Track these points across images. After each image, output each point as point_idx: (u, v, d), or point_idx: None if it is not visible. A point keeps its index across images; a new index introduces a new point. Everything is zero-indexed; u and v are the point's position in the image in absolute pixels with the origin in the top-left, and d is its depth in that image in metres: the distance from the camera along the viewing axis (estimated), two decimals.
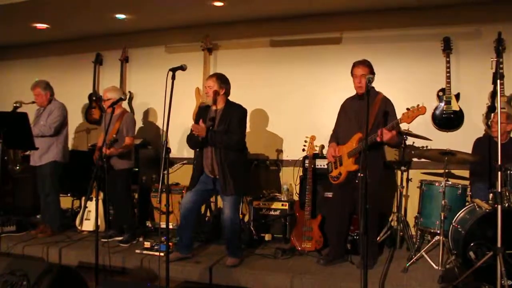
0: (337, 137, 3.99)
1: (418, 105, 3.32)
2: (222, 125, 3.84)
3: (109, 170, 4.44)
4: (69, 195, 5.72)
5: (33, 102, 4.83)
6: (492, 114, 4.33)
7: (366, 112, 3.65)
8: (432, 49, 4.75)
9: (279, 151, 5.36)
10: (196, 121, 3.98)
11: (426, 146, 4.48)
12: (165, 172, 3.14)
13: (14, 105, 4.60)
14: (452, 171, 4.51)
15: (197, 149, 4.01)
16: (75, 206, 5.79)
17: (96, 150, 4.62)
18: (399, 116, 3.48)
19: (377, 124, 3.66)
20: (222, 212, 3.91)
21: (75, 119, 6.28)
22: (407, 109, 3.37)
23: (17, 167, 5.51)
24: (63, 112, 4.85)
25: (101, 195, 4.87)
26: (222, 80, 3.90)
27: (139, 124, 5.81)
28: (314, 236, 4.26)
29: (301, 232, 4.31)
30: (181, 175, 5.42)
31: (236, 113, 3.88)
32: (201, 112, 4.04)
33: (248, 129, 5.28)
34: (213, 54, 5.60)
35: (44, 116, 4.77)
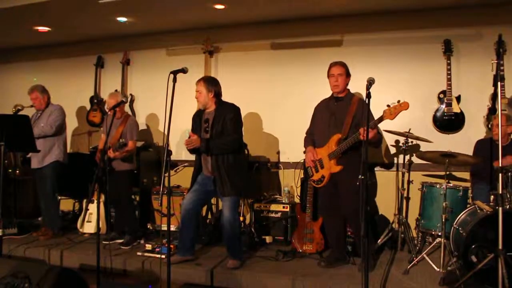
0: (313, 140, 3.97)
1: (399, 101, 3.32)
2: (216, 126, 3.83)
3: (111, 172, 4.46)
4: (70, 197, 5.73)
5: (32, 106, 4.87)
6: (493, 117, 4.33)
7: (344, 114, 3.69)
8: (433, 51, 4.75)
9: (280, 153, 5.36)
10: (192, 126, 3.99)
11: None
12: (166, 174, 3.15)
13: (16, 108, 4.63)
14: (453, 173, 4.52)
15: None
16: (76, 209, 5.80)
17: (98, 152, 4.64)
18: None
19: (355, 125, 3.68)
20: (222, 214, 3.92)
21: (76, 122, 6.31)
22: (388, 105, 3.38)
23: (17, 172, 5.53)
24: (63, 113, 4.92)
25: (102, 197, 4.88)
26: (210, 83, 3.90)
27: (140, 126, 5.82)
28: (315, 238, 4.26)
29: (302, 234, 4.31)
30: (182, 177, 5.43)
31: (229, 112, 3.86)
32: (196, 117, 4.04)
33: (249, 131, 5.29)
34: (214, 56, 5.61)
35: (44, 118, 4.80)
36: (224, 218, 3.86)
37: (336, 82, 3.79)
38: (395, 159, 4.88)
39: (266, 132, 5.43)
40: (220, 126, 3.82)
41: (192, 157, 4.16)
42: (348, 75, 3.83)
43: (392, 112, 3.33)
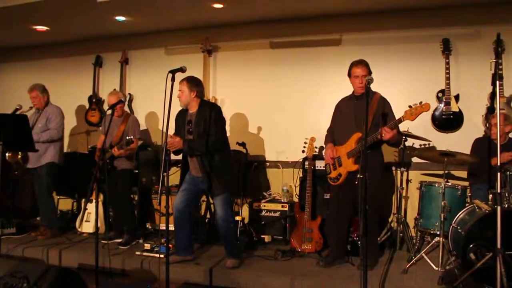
0: (333, 137, 3.97)
1: (421, 102, 3.33)
2: (199, 127, 3.80)
3: (111, 171, 4.45)
4: (69, 197, 5.72)
5: (31, 108, 4.87)
6: (491, 116, 4.33)
7: (365, 112, 3.68)
8: (432, 51, 4.76)
9: (279, 153, 5.36)
10: (176, 126, 3.97)
11: (425, 145, 4.48)
12: (165, 173, 3.15)
13: (15, 107, 4.64)
14: (452, 172, 4.53)
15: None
16: (75, 208, 5.79)
17: (97, 151, 4.63)
18: (398, 114, 3.47)
19: (376, 124, 3.66)
20: (215, 213, 3.91)
21: (75, 121, 6.31)
22: (409, 106, 3.39)
23: (16, 172, 5.52)
24: (63, 116, 4.94)
25: (101, 197, 4.88)
26: (193, 83, 3.86)
27: None
28: (314, 237, 4.26)
29: (301, 234, 4.31)
30: None
31: (210, 112, 3.82)
32: (179, 118, 4.01)
33: (247, 131, 5.30)
34: (212, 56, 5.61)
35: (42, 118, 4.79)
36: (218, 216, 3.86)
37: (361, 83, 3.69)
38: (394, 158, 4.88)
39: (264, 131, 5.42)
40: (203, 127, 3.79)
41: None
42: (370, 73, 3.74)
43: (413, 113, 3.33)
